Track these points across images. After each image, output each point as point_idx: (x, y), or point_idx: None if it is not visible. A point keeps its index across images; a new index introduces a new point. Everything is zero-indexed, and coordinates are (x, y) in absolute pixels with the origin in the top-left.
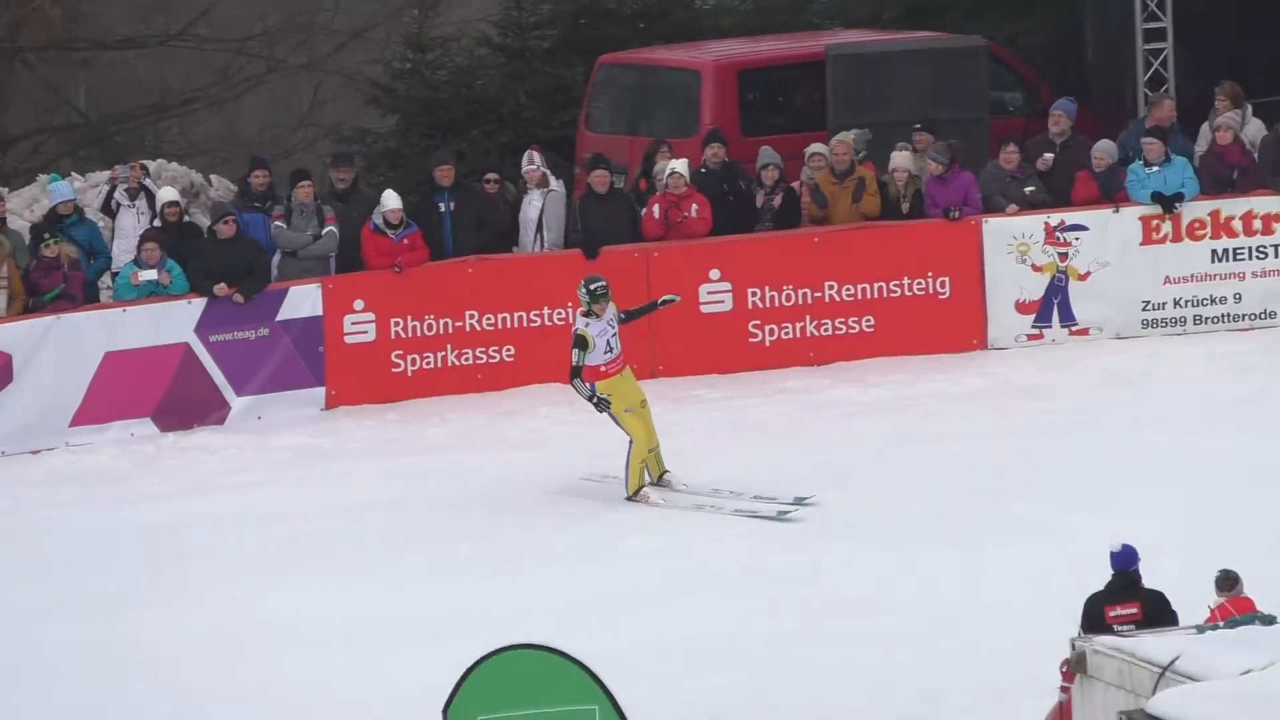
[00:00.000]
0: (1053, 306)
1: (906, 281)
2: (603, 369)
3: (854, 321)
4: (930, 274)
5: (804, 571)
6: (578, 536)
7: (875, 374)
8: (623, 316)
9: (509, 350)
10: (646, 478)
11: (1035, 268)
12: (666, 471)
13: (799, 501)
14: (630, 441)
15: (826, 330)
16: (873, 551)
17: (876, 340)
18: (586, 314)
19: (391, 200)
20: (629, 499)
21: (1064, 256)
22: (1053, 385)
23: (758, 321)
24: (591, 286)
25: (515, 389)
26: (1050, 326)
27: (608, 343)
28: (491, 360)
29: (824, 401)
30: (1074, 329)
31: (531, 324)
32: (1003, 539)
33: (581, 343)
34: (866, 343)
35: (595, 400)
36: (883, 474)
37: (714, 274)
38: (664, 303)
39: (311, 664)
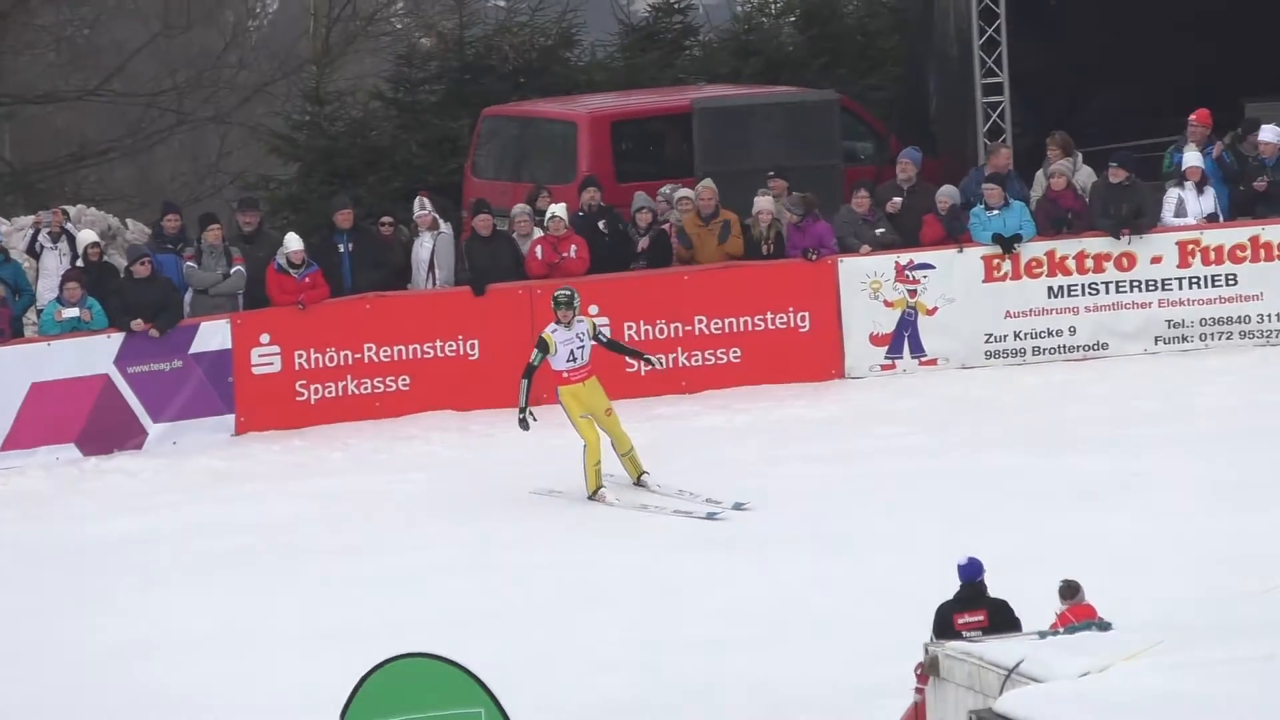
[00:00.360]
0: (903, 339)
1: (769, 316)
2: (565, 375)
3: (722, 353)
4: (791, 309)
5: (681, 583)
6: (471, 551)
7: (742, 401)
8: (603, 339)
9: (404, 380)
10: (605, 480)
11: (887, 303)
12: (645, 473)
13: (738, 506)
14: (584, 446)
15: (697, 360)
16: (743, 565)
17: (743, 370)
18: (555, 321)
19: (294, 242)
20: (590, 498)
21: (913, 293)
22: (905, 411)
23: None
24: (554, 295)
25: (410, 416)
26: (901, 357)
27: (571, 352)
28: (388, 389)
29: (694, 427)
30: (923, 359)
31: (425, 355)
32: (861, 552)
33: (542, 345)
34: (733, 372)
35: (522, 414)
36: (749, 494)
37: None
38: (646, 361)
39: (223, 670)
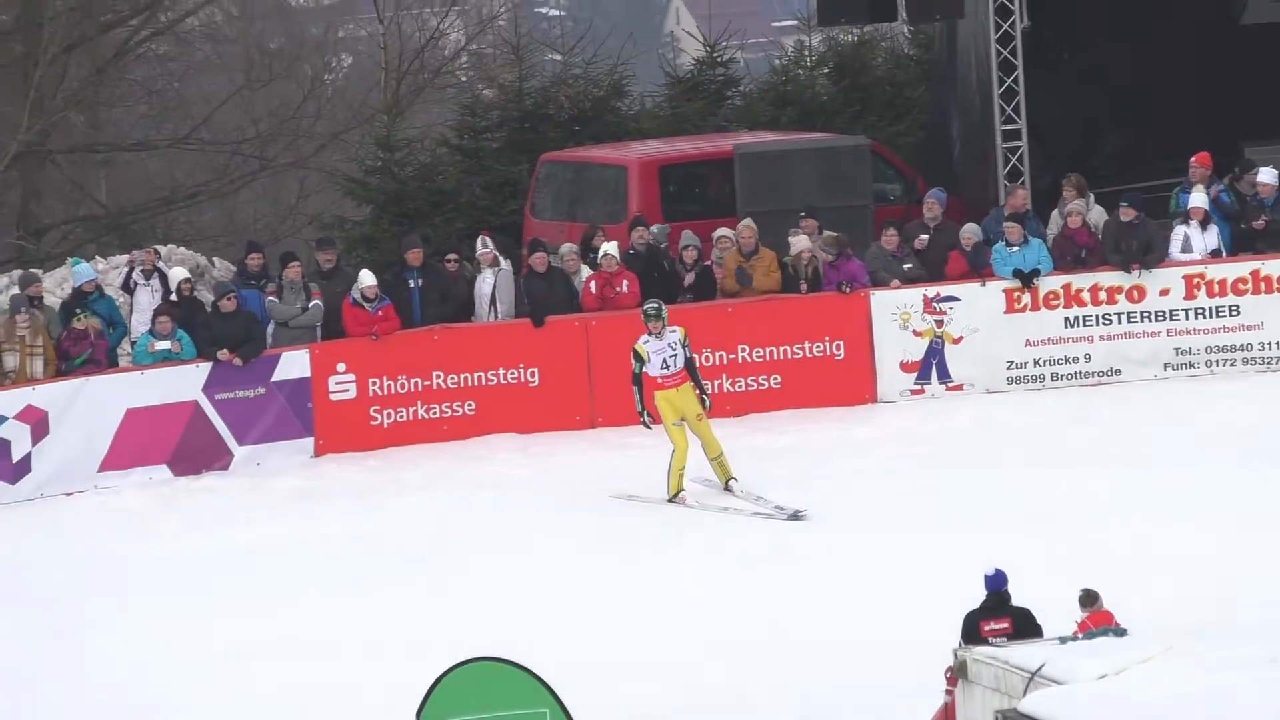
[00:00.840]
0: (931, 366)
1: (807, 345)
2: (659, 381)
3: (764, 379)
4: (827, 339)
5: (729, 591)
6: (537, 562)
7: (784, 424)
8: (688, 356)
9: (470, 405)
10: (687, 483)
11: (916, 333)
12: (734, 479)
13: (795, 515)
14: (673, 450)
15: (740, 387)
16: (784, 576)
17: (783, 395)
18: (647, 332)
19: (367, 278)
20: (669, 500)
21: (940, 323)
22: (934, 432)
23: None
24: (643, 309)
25: (476, 438)
26: (930, 383)
27: (664, 360)
28: (455, 414)
29: (741, 448)
30: (950, 385)
31: (489, 383)
32: (895, 563)
33: (636, 357)
34: (775, 397)
35: (641, 415)
36: (804, 508)
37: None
38: (702, 398)
39: (311, 674)
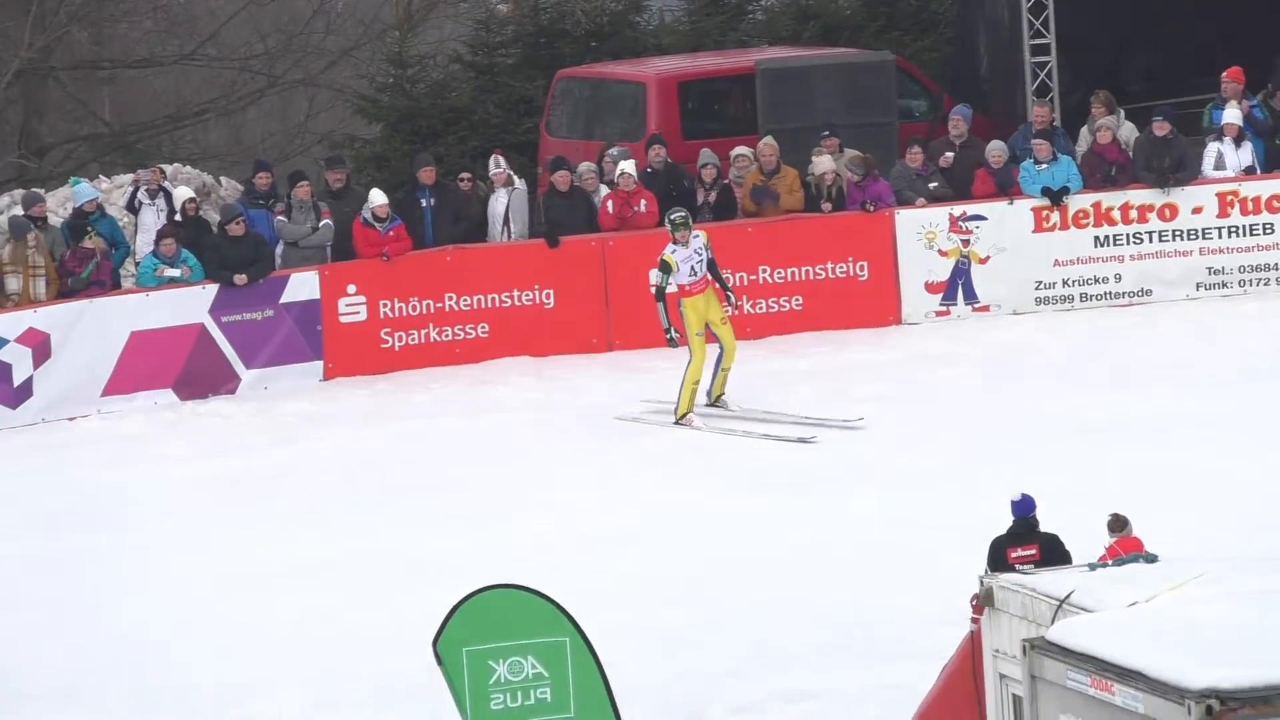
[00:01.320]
0: (957, 287)
1: (830, 266)
2: (687, 288)
3: (785, 301)
4: (850, 259)
5: (746, 517)
6: (551, 486)
7: (805, 347)
8: (710, 258)
9: (483, 328)
10: (703, 398)
11: (942, 253)
12: (724, 395)
13: (847, 424)
14: (689, 363)
15: (761, 308)
16: (809, 499)
17: (805, 317)
18: (674, 242)
19: (378, 197)
20: (676, 422)
21: (966, 243)
22: (959, 354)
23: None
24: (671, 217)
25: (489, 361)
26: (956, 304)
27: (692, 267)
28: (468, 337)
29: (761, 370)
30: (976, 306)
31: (503, 304)
32: (919, 487)
33: (664, 267)
34: (796, 319)
35: (667, 332)
36: (815, 433)
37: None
38: (728, 298)
39: (320, 600)
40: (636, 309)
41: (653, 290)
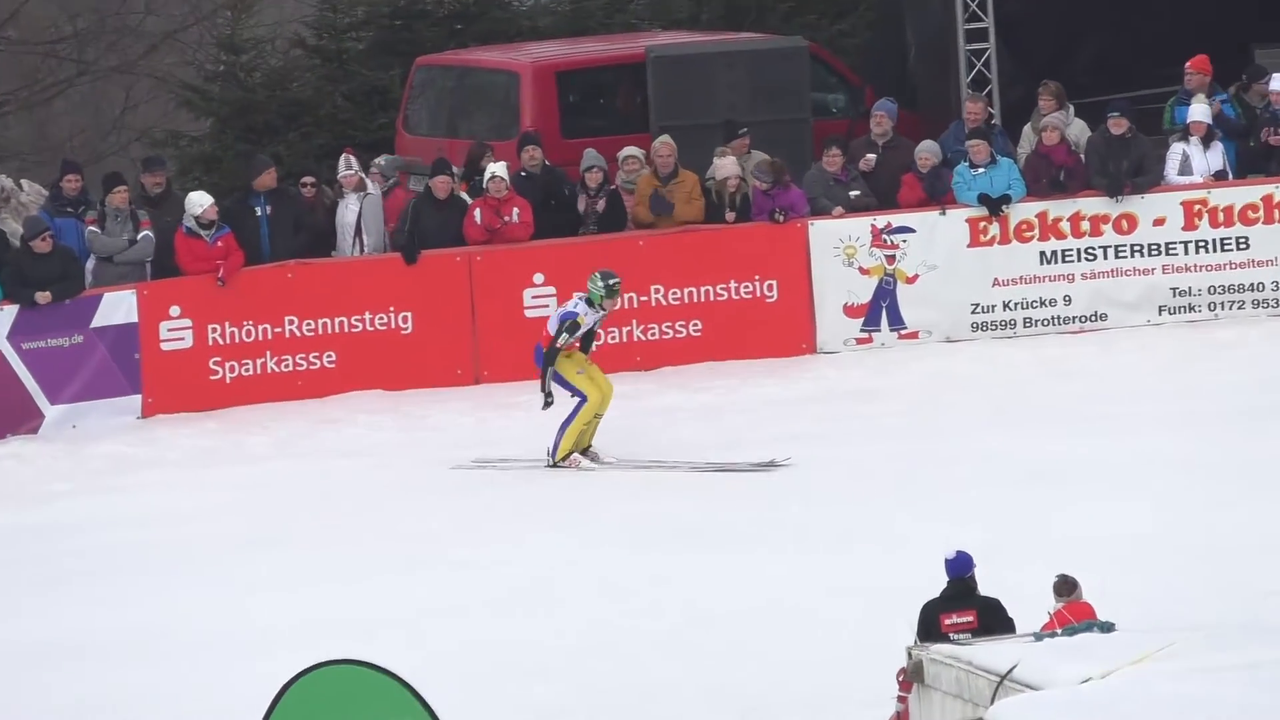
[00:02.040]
0: (881, 310)
1: (733, 285)
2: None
3: (680, 326)
4: (757, 277)
5: (636, 581)
6: (404, 546)
7: (703, 379)
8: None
9: (329, 356)
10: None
11: (863, 270)
12: (590, 446)
13: (769, 464)
14: (582, 399)
15: (653, 334)
16: (707, 557)
17: (704, 345)
18: (590, 304)
19: (201, 199)
20: (554, 464)
21: (891, 259)
22: (883, 389)
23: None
24: (610, 281)
25: (336, 396)
26: (879, 330)
27: (588, 332)
28: (312, 367)
29: (651, 408)
30: (903, 332)
31: (352, 329)
32: (835, 546)
33: (573, 326)
34: (694, 347)
35: (547, 396)
36: (710, 481)
37: (538, 278)
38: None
39: (134, 679)
40: (508, 334)
41: (546, 347)
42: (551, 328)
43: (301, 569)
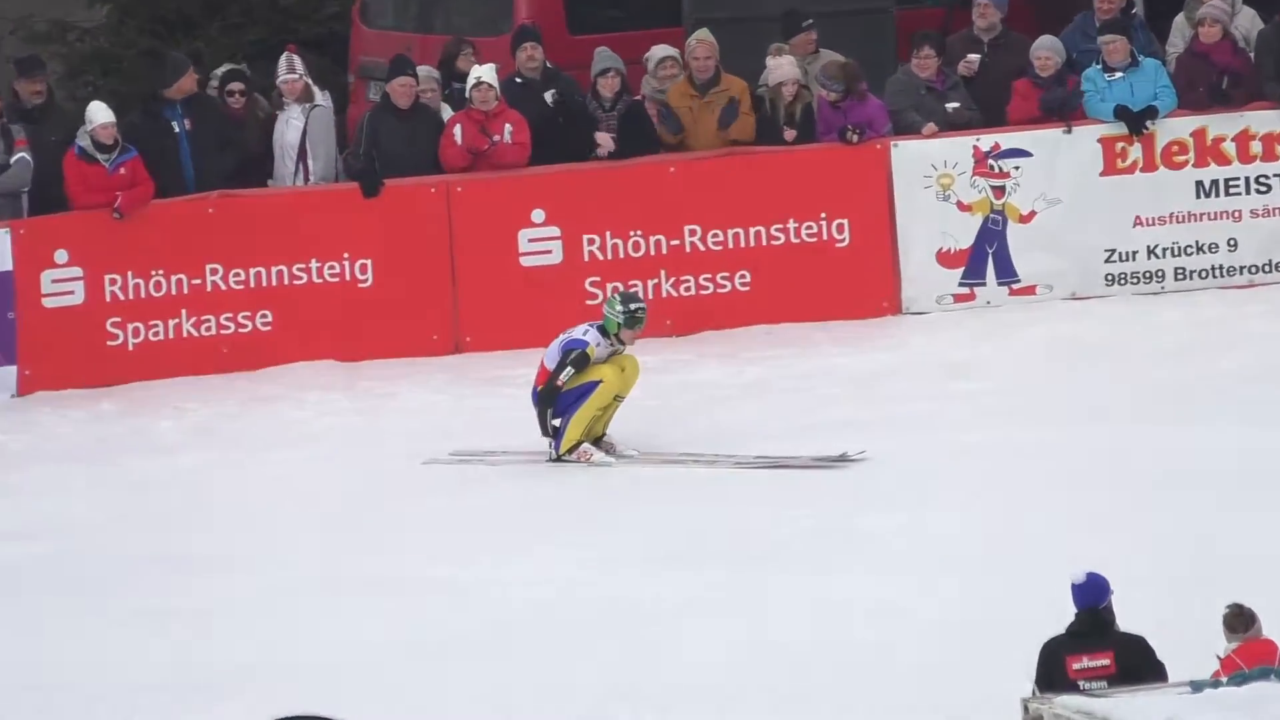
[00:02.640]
0: (986, 258)
1: (792, 226)
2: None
3: (723, 279)
4: (824, 215)
5: (664, 613)
6: (364, 566)
7: (752, 348)
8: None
9: (264, 316)
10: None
11: (962, 206)
12: (605, 435)
13: (837, 459)
14: (598, 383)
15: (688, 289)
16: (761, 578)
17: (754, 303)
18: (606, 334)
19: (100, 114)
20: (557, 458)
21: (1000, 192)
22: (987, 362)
23: (596, 278)
24: (633, 307)
25: (273, 369)
26: (984, 284)
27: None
28: (241, 330)
29: (685, 383)
30: (1015, 287)
31: (294, 281)
32: (922, 565)
33: (581, 360)
34: (741, 306)
35: (554, 437)
36: (760, 481)
37: (537, 216)
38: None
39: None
40: (497, 289)
41: (543, 385)
42: (550, 361)
43: (229, 596)
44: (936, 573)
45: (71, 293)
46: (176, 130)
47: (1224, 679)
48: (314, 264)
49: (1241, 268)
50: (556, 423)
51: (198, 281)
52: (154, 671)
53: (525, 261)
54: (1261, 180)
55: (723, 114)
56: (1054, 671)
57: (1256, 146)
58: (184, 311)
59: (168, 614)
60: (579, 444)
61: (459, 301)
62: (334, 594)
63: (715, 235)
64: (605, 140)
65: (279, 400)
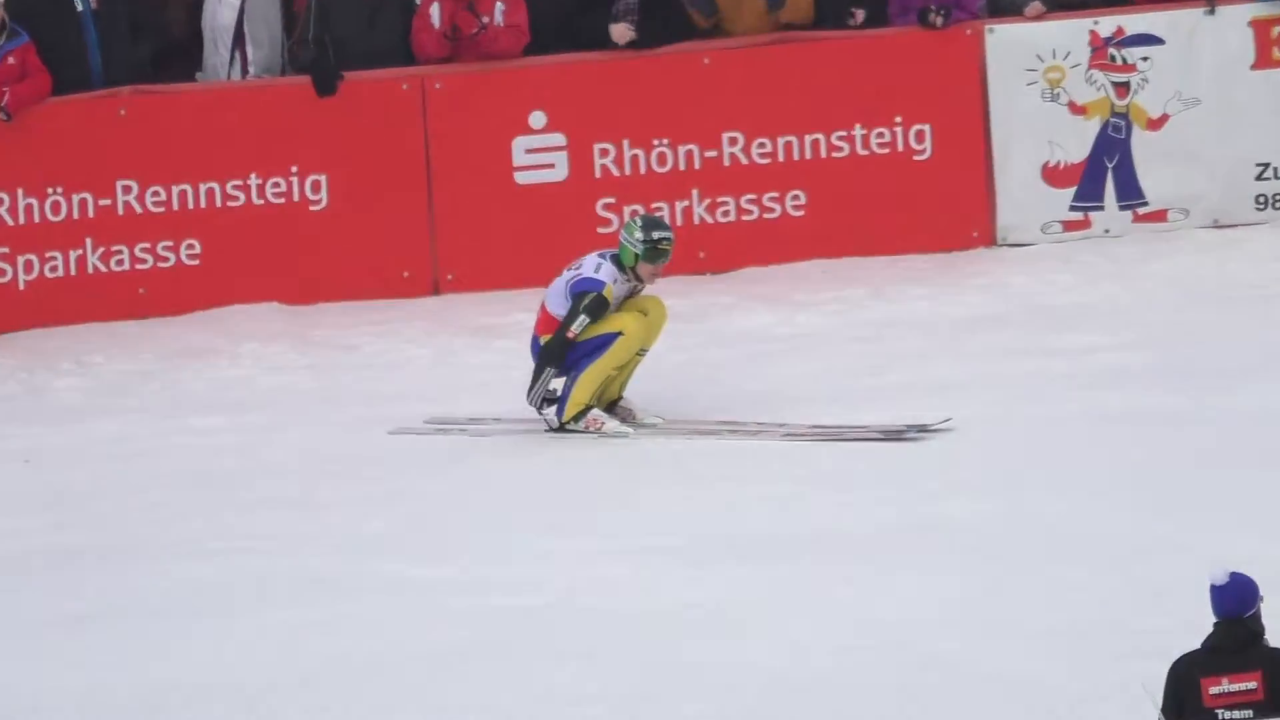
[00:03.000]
0: (1105, 174)
1: (859, 132)
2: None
3: (771, 201)
4: (898, 121)
5: (694, 620)
6: (318, 561)
7: (807, 289)
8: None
9: (190, 247)
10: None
11: (1075, 108)
12: (622, 398)
13: (914, 431)
14: (616, 334)
15: (727, 214)
16: (807, 587)
17: (809, 232)
18: (622, 267)
19: None
20: (561, 426)
21: (1123, 90)
22: (1106, 307)
23: (610, 199)
24: (655, 236)
25: (203, 312)
26: (1101, 207)
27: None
28: (162, 264)
29: (723, 333)
30: (1142, 211)
31: (230, 203)
32: (1029, 563)
33: (597, 308)
34: (793, 236)
35: (542, 404)
36: (817, 457)
37: (536, 120)
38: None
39: None
40: (486, 214)
41: (550, 335)
42: (555, 305)
43: (148, 601)
44: (1040, 572)
45: None
46: (79, 8)
47: None
48: (253, 181)
49: None
50: (557, 385)
51: (106, 203)
52: (54, 692)
53: (521, 178)
54: None
55: None
56: (1186, 697)
57: None
58: (89, 241)
59: (58, 624)
60: (588, 409)
61: (437, 230)
62: (273, 601)
63: (761, 145)
64: (622, 32)
65: (209, 354)
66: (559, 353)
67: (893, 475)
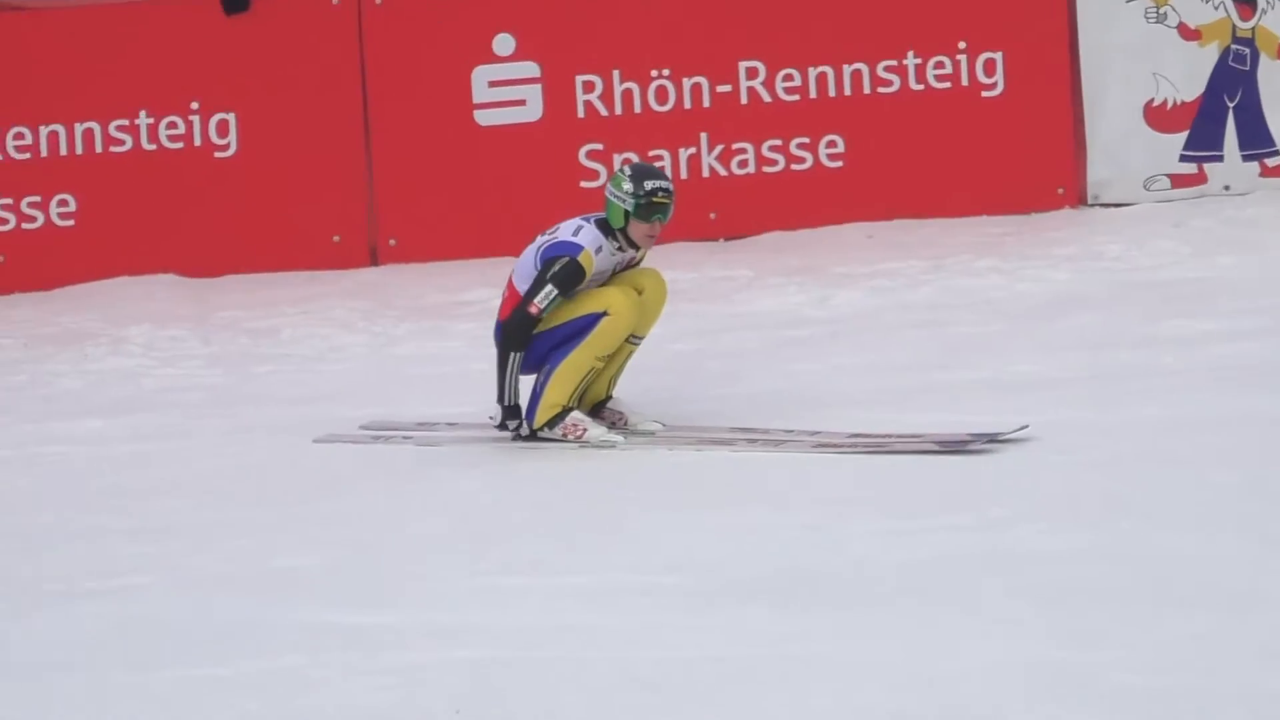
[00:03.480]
0: (1224, 116)
1: (912, 64)
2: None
3: (800, 149)
4: (962, 47)
5: (703, 675)
6: (215, 611)
7: (847, 259)
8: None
9: (64, 205)
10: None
11: (1187, 32)
12: (611, 397)
13: (990, 438)
14: (600, 315)
15: (743, 165)
16: (847, 634)
17: (848, 187)
18: (610, 232)
19: None
20: (533, 433)
21: (1249, 8)
22: (1225, 283)
23: (596, 145)
24: (650, 187)
25: (83, 285)
26: (1219, 157)
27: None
28: (29, 224)
29: (737, 315)
30: (1270, 164)
31: (114, 148)
32: (1130, 605)
33: (571, 279)
34: (828, 192)
35: (504, 422)
36: (861, 472)
37: (502, 45)
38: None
39: None
40: (449, 165)
41: (512, 319)
42: (522, 278)
43: (4, 655)
44: (1142, 622)
45: None
46: None
47: None
48: (143, 120)
49: None
50: (518, 386)
51: None
52: None
53: (483, 118)
54: None
55: None
56: None
57: None
58: None
59: None
60: (566, 412)
61: (375, 183)
62: (165, 655)
63: (788, 78)
64: None
65: (88, 338)
66: (519, 337)
67: (953, 497)
